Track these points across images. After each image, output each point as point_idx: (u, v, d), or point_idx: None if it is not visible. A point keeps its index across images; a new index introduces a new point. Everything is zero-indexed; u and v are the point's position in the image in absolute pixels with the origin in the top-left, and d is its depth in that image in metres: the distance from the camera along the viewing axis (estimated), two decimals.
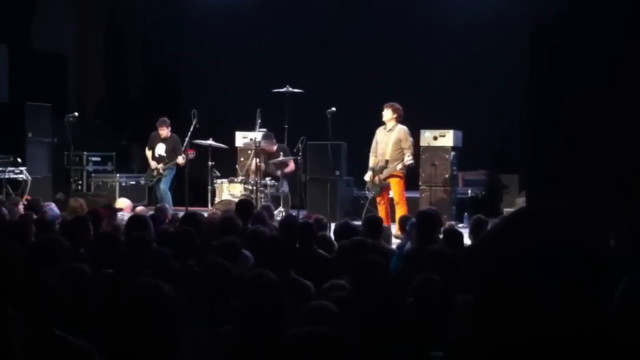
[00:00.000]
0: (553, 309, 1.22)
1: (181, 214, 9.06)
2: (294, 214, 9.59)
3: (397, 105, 10.54)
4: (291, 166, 11.54)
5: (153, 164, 12.17)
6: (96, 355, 3.30)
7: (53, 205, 9.38)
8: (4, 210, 7.50)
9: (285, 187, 11.49)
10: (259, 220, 7.25)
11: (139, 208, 10.63)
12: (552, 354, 1.22)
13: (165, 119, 12.28)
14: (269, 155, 11.52)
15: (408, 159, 10.25)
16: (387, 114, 10.52)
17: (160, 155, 12.17)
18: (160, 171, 12.01)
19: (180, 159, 11.74)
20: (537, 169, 8.94)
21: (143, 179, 13.03)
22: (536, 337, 1.22)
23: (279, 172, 11.36)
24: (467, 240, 7.03)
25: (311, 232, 6.35)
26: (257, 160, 11.08)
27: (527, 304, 1.23)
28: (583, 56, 8.14)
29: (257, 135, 11.16)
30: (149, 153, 12.32)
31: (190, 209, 10.40)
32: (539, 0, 8.77)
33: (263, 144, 11.20)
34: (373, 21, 14.60)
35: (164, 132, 12.15)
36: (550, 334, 1.22)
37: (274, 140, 11.56)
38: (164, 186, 11.99)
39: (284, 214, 10.57)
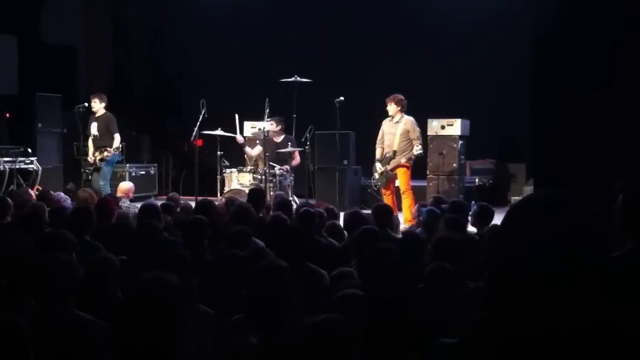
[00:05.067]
0: (558, 301, 1.24)
1: (190, 203, 9.14)
2: (310, 203, 9.59)
3: (400, 97, 10.56)
4: (297, 159, 11.55)
5: (90, 158, 11.51)
6: (113, 332, 3.36)
7: (63, 195, 9.44)
8: (9, 200, 7.48)
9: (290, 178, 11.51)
10: (283, 207, 7.33)
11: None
12: (558, 346, 1.25)
13: (101, 93, 11.66)
14: (276, 145, 11.54)
15: (417, 149, 10.29)
16: (392, 108, 10.55)
17: (94, 136, 11.54)
18: (97, 162, 11.41)
19: (106, 153, 11.28)
20: (542, 165, 8.98)
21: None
22: (542, 329, 1.24)
23: (285, 167, 11.30)
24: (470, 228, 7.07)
25: (313, 220, 6.40)
26: (263, 150, 11.15)
27: (533, 296, 1.25)
28: (585, 53, 8.16)
29: (266, 124, 11.20)
30: (90, 143, 11.68)
31: (200, 198, 10.45)
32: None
33: (268, 127, 11.22)
34: (381, 10, 14.60)
35: (95, 104, 11.51)
36: (556, 326, 1.24)
37: (280, 127, 11.53)
38: (103, 182, 11.38)
39: (293, 203, 10.61)
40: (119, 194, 9.34)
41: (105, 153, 11.37)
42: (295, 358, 2.89)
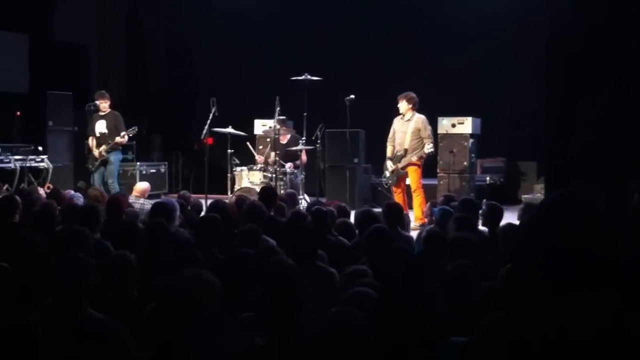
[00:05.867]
0: (567, 305, 1.22)
1: (201, 201, 9.14)
2: (321, 201, 9.57)
3: (412, 95, 10.52)
4: (303, 158, 11.53)
5: (96, 152, 11.59)
6: (124, 332, 3.37)
7: (75, 193, 9.47)
8: (18, 199, 7.49)
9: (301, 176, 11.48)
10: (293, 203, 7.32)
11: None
12: (569, 349, 1.23)
13: (104, 92, 11.87)
14: (284, 145, 11.53)
15: (429, 148, 10.26)
16: (403, 106, 10.52)
17: (101, 134, 11.65)
18: (103, 153, 11.50)
19: (119, 138, 11.47)
20: (555, 164, 8.94)
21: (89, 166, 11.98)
22: (553, 333, 1.23)
23: (289, 164, 11.28)
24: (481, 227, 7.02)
25: (324, 218, 6.40)
26: (270, 150, 11.14)
27: (543, 299, 1.23)
28: (599, 51, 8.12)
29: (275, 123, 11.18)
30: (91, 141, 11.76)
31: (210, 196, 10.46)
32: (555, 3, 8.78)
33: (278, 126, 11.22)
34: (392, 9, 14.57)
35: (104, 105, 11.66)
36: (567, 330, 1.23)
37: (284, 127, 11.49)
38: (111, 180, 11.51)
39: (303, 201, 10.60)
40: (135, 194, 9.41)
41: (118, 139, 11.48)
42: (309, 354, 2.88)
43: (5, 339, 2.78)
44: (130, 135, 11.78)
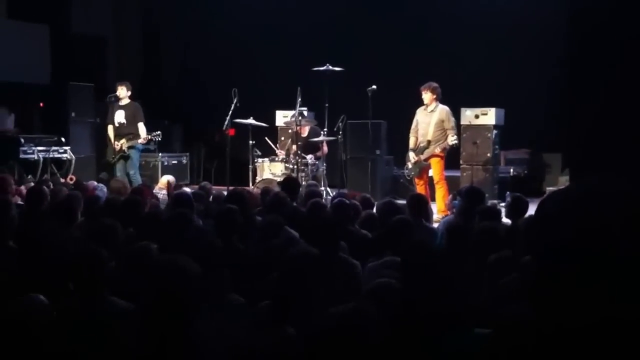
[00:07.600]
0: (583, 299, 1.20)
1: (222, 192, 9.14)
2: (344, 192, 9.51)
3: (434, 85, 10.43)
4: (324, 149, 11.48)
5: (116, 144, 11.55)
6: (133, 312, 3.39)
7: (98, 184, 9.50)
8: (46, 189, 7.54)
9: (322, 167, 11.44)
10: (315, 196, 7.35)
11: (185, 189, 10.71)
12: (599, 340, 1.21)
13: (127, 82, 11.87)
14: (304, 139, 11.49)
15: (452, 139, 10.18)
16: (427, 97, 10.42)
17: (120, 124, 11.60)
18: (124, 148, 11.48)
19: (143, 135, 11.44)
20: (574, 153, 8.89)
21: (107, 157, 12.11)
22: (583, 324, 1.20)
23: (310, 156, 11.22)
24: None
25: (346, 210, 6.37)
26: (292, 143, 11.11)
27: (575, 290, 1.21)
28: (617, 41, 8.02)
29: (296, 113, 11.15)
30: (110, 131, 11.74)
31: (231, 188, 10.45)
32: None
33: (300, 118, 11.19)
34: None
35: (122, 91, 11.62)
36: (595, 322, 1.20)
37: (301, 119, 11.42)
38: (133, 171, 11.48)
39: (324, 193, 10.56)
40: (159, 186, 9.47)
41: (141, 140, 11.50)
42: (316, 347, 2.85)
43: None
44: (153, 140, 11.77)
